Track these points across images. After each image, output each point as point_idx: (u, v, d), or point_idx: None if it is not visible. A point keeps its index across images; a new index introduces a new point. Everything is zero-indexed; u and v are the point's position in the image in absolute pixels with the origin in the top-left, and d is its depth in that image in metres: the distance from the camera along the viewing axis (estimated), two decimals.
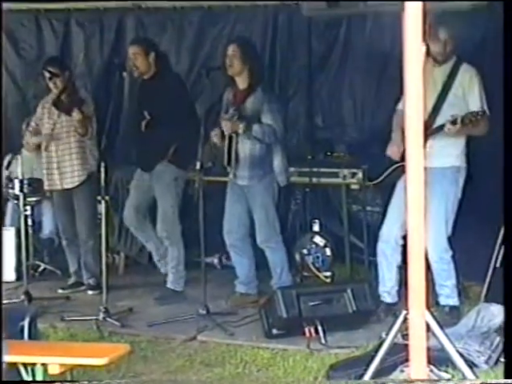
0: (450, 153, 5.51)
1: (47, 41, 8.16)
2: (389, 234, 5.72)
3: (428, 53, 5.30)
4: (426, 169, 5.39)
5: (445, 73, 5.48)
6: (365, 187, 6.68)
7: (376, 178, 5.92)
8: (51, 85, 6.72)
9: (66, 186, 6.74)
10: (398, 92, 4.90)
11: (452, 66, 5.51)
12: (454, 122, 5.31)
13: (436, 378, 3.81)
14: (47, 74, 6.70)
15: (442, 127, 5.33)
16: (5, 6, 5.87)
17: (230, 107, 6.22)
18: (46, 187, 6.90)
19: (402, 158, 5.53)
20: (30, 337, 4.26)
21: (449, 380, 3.44)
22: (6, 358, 3.79)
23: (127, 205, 6.70)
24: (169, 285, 6.55)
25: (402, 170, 5.53)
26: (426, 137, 5.45)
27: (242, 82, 6.22)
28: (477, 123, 5.35)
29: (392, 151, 5.65)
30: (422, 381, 3.24)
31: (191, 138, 6.00)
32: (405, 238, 5.58)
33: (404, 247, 5.56)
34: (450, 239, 5.64)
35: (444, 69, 5.49)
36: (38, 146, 6.93)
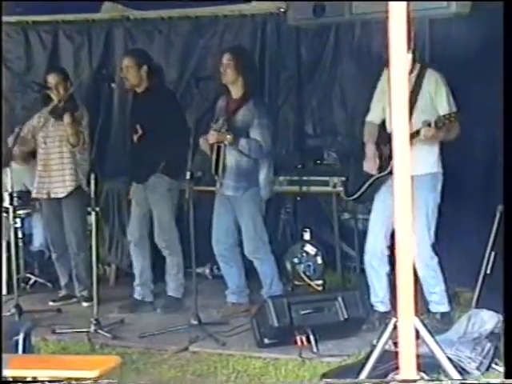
0: (426, 160, 5.54)
1: (35, 53, 8.15)
2: (374, 247, 5.75)
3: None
4: None
5: (411, 81, 5.51)
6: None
7: (354, 193, 5.94)
8: (53, 93, 6.65)
9: (53, 196, 6.72)
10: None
11: (417, 74, 5.54)
12: (428, 125, 5.35)
13: None
14: (50, 82, 6.64)
15: (417, 133, 5.34)
16: None
17: (220, 116, 6.20)
18: (34, 195, 6.88)
19: (380, 170, 5.63)
20: (24, 351, 4.24)
21: (448, 380, 3.43)
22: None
23: (132, 221, 6.66)
24: (170, 293, 6.57)
25: (378, 183, 5.62)
26: None
27: (235, 91, 6.21)
28: (450, 126, 5.40)
29: (368, 167, 5.75)
30: (422, 381, 3.24)
31: (183, 149, 5.98)
32: (390, 248, 5.60)
33: (390, 257, 5.57)
34: (434, 246, 5.64)
35: (410, 78, 5.52)
36: (29, 157, 6.90)
